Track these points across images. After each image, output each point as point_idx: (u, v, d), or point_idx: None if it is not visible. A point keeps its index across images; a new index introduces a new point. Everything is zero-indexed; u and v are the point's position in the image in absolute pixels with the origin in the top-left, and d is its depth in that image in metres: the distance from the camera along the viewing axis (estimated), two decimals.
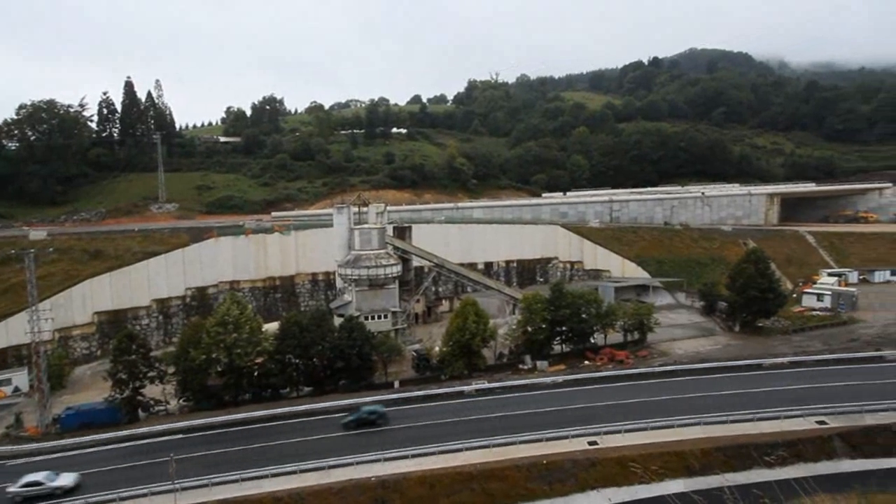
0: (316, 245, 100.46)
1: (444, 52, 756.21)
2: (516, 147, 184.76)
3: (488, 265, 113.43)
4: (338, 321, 70.88)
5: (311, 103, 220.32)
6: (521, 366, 69.25)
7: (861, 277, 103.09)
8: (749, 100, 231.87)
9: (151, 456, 47.16)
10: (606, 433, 47.42)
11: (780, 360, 64.67)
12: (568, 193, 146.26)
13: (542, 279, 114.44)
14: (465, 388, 59.86)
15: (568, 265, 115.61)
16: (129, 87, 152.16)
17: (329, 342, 62.10)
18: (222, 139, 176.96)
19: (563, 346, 72.88)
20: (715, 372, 62.09)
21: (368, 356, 63.93)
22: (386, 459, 44.63)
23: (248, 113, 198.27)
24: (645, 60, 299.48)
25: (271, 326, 67.74)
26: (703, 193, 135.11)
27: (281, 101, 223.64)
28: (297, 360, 61.90)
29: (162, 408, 60.70)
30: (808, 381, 57.94)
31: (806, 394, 54.06)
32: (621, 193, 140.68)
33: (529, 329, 69.74)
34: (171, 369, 60.35)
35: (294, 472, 43.54)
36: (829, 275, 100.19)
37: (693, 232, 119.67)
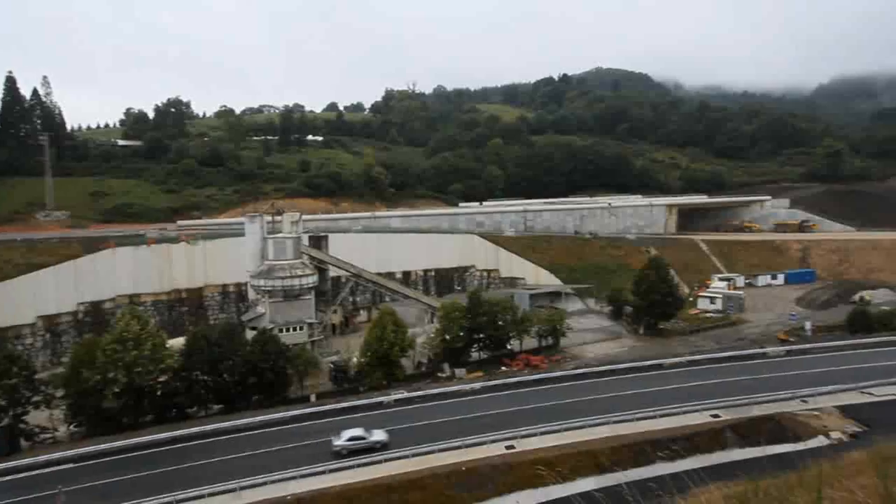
0: (226, 255, 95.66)
1: (361, 59, 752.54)
2: (433, 157, 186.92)
3: (406, 274, 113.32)
4: (250, 334, 67.97)
5: (221, 107, 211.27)
6: (439, 374, 69.57)
7: (747, 282, 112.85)
8: (649, 117, 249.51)
9: (36, 489, 42.56)
10: (523, 436, 48.53)
11: (679, 359, 69.24)
12: (484, 203, 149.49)
13: (459, 287, 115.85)
14: (384, 398, 59.25)
15: (485, 273, 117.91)
16: (10, 83, 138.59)
17: (240, 357, 59.29)
18: (121, 142, 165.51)
19: (481, 353, 74.11)
20: (622, 373, 65.48)
21: (283, 370, 61.65)
22: (302, 476, 43.11)
23: (151, 115, 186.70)
24: (555, 77, 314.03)
25: (177, 342, 63.74)
26: (609, 204, 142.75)
27: (188, 104, 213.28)
28: (206, 377, 58.51)
29: (49, 435, 55.14)
30: (704, 377, 62.52)
31: (702, 390, 58.23)
32: (535, 203, 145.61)
33: (447, 337, 70.31)
34: (60, 392, 55.07)
35: (201, 497, 41.03)
36: (720, 279, 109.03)
37: (601, 240, 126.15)
